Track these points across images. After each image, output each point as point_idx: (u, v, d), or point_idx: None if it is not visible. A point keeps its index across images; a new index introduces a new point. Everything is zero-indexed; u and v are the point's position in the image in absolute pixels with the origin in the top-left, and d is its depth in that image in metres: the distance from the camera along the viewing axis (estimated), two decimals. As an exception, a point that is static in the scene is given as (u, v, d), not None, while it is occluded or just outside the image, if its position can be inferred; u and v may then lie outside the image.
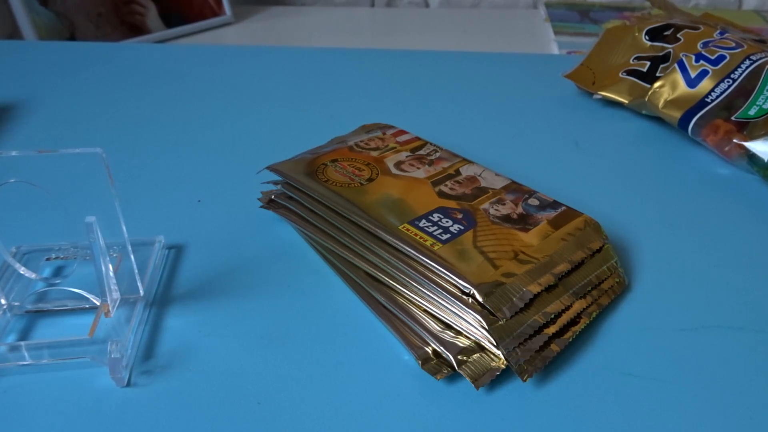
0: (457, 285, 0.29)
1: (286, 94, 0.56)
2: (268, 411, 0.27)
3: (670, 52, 0.51)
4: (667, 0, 0.60)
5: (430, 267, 0.30)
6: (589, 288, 0.31)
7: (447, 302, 0.29)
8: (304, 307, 0.33)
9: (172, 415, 0.27)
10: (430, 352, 0.29)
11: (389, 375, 0.29)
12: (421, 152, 0.39)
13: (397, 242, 0.31)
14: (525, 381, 0.28)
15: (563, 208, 0.34)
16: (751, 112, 0.44)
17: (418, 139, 0.41)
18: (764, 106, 0.44)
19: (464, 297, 0.29)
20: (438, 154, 0.39)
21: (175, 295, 0.34)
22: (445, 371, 0.28)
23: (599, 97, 0.54)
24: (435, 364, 0.29)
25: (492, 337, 0.28)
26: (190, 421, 0.27)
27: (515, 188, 0.36)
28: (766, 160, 0.43)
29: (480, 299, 0.28)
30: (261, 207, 0.39)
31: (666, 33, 0.52)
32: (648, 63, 0.52)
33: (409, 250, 0.31)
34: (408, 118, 0.52)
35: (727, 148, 0.45)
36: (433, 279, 0.30)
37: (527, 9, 0.88)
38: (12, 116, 0.51)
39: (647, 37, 0.53)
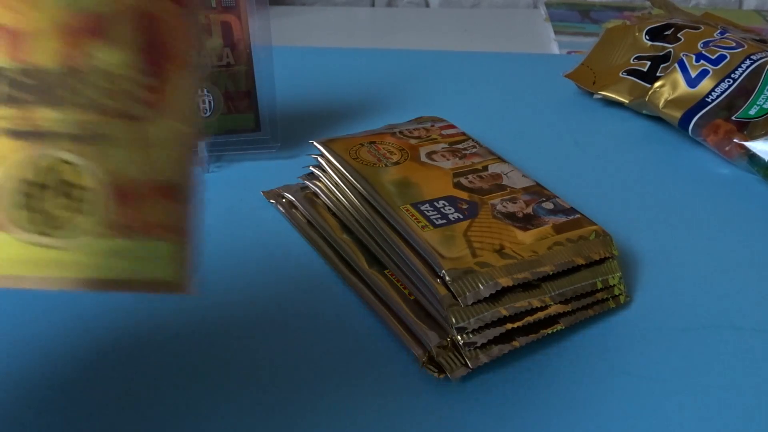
0: (433, 267, 0.29)
1: (286, 94, 0.56)
2: (268, 411, 0.27)
3: (670, 51, 0.51)
4: (667, 0, 0.60)
5: (414, 247, 0.31)
6: (576, 295, 0.31)
7: (422, 285, 0.30)
8: (304, 307, 0.33)
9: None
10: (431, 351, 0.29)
11: (389, 375, 0.29)
12: (459, 146, 0.39)
13: (392, 220, 0.32)
14: (473, 367, 0.28)
15: (577, 216, 0.33)
16: (752, 112, 0.44)
17: (463, 134, 0.41)
18: (765, 106, 0.44)
19: (436, 280, 0.29)
20: (474, 150, 0.39)
21: (174, 295, 0.34)
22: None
23: (599, 97, 0.54)
24: (435, 364, 0.29)
25: (449, 317, 0.28)
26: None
27: (536, 190, 0.35)
28: (766, 160, 0.43)
29: (447, 282, 0.29)
30: (269, 201, 0.40)
31: (666, 33, 0.52)
32: (648, 63, 0.51)
33: (400, 228, 0.31)
34: (407, 117, 0.52)
35: (727, 148, 0.45)
36: (414, 261, 0.30)
37: (527, 9, 0.88)
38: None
39: (647, 37, 0.53)
